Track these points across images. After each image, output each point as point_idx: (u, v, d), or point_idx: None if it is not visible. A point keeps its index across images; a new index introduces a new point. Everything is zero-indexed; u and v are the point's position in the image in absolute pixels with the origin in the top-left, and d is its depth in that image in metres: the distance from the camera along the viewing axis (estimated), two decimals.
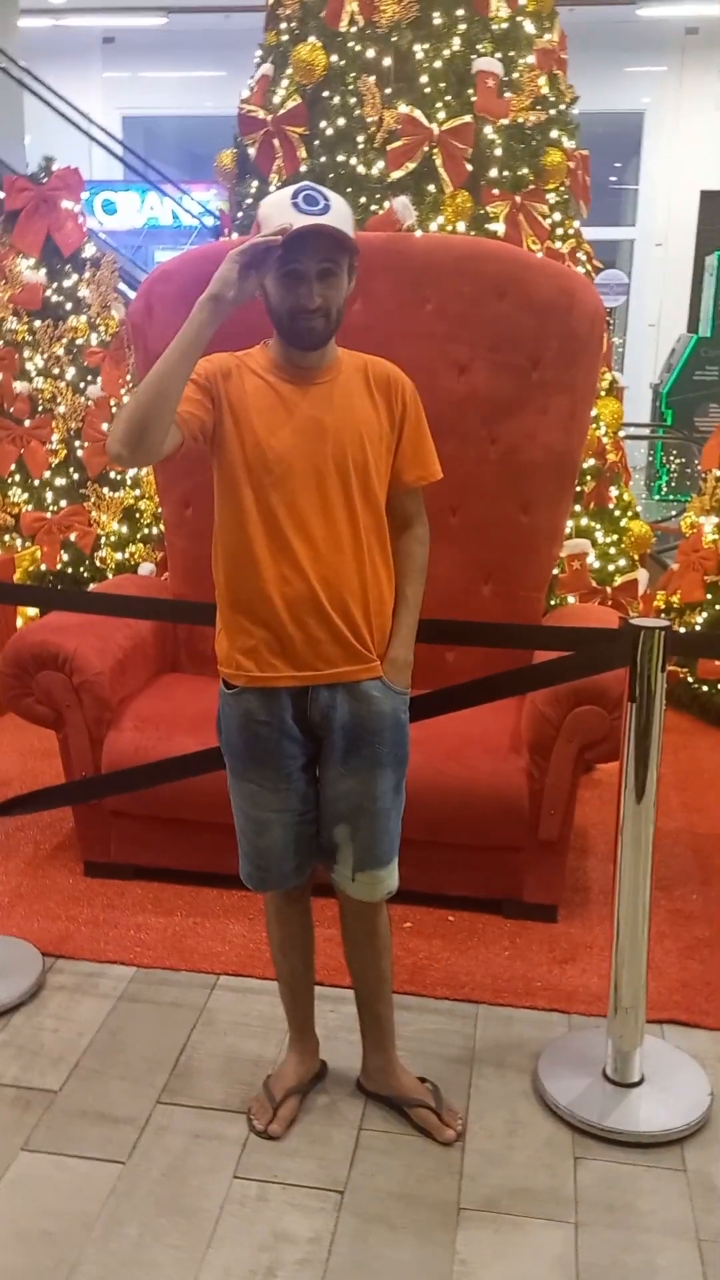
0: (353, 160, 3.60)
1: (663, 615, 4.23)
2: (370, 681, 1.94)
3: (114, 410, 4.79)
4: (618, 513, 3.92)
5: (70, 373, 4.76)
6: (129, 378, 4.85)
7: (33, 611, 4.48)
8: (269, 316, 1.88)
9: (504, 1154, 2.07)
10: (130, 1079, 2.26)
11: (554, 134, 3.77)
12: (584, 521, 3.81)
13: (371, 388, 1.93)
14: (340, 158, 3.62)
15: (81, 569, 4.72)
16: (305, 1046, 2.22)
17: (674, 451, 9.10)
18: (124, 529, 4.76)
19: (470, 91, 3.58)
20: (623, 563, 3.84)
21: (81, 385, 4.77)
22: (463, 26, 3.58)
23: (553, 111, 3.78)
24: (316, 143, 3.66)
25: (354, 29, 3.59)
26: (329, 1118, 2.16)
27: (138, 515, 4.80)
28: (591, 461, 3.75)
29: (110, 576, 4.63)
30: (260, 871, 2.07)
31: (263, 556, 1.88)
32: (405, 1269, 1.82)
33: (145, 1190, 1.98)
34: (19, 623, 4.43)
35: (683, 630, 4.05)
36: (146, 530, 4.79)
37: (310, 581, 1.87)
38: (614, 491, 3.91)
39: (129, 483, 4.82)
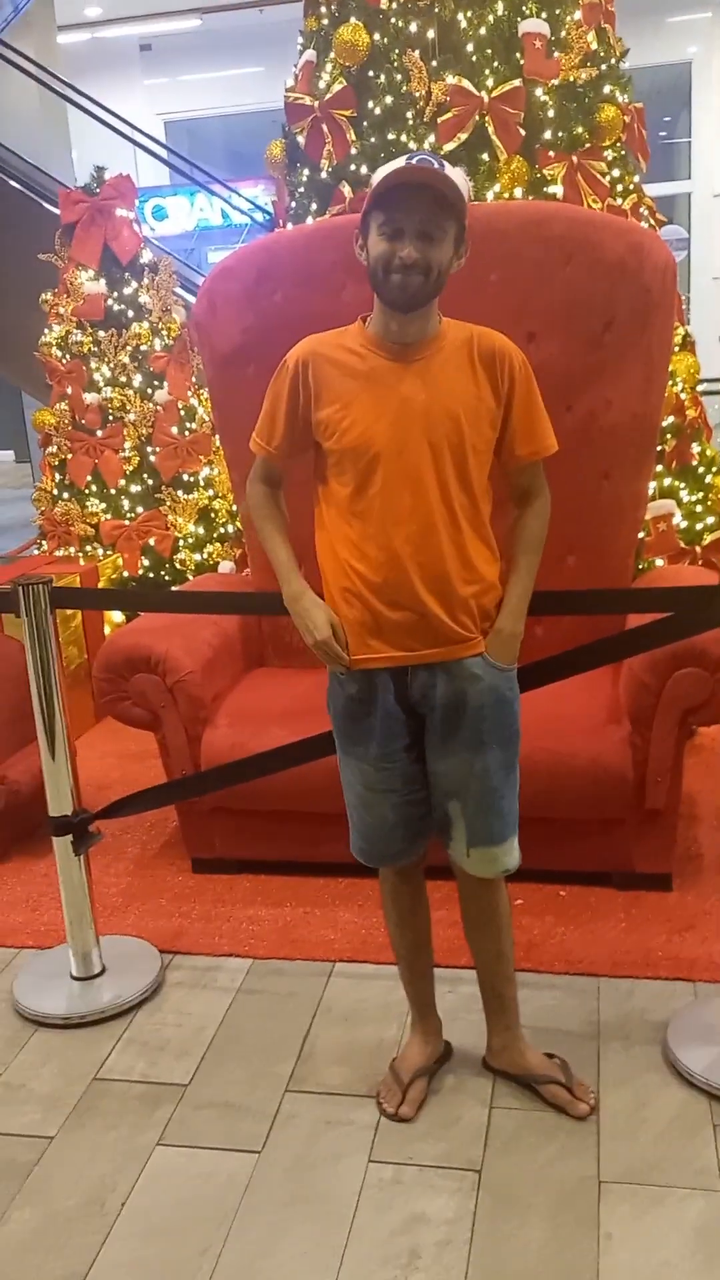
0: (404, 137, 3.55)
1: None
2: (471, 659, 1.91)
3: (182, 412, 4.82)
4: (701, 469, 3.82)
5: (137, 379, 4.80)
6: (194, 379, 4.88)
7: (119, 619, 4.54)
8: (369, 277, 1.85)
9: (639, 1126, 2.04)
10: (255, 1069, 2.28)
11: (606, 89, 3.67)
12: (667, 481, 3.72)
13: (475, 362, 1.87)
14: (391, 136, 3.57)
15: (162, 572, 4.77)
16: (428, 1027, 2.21)
17: None
18: (200, 530, 4.79)
19: (518, 55, 3.51)
20: (711, 520, 3.75)
21: (149, 391, 4.81)
22: None
23: (603, 67, 3.68)
24: (365, 124, 3.62)
25: (394, 5, 3.53)
26: (458, 1098, 2.15)
27: (213, 515, 4.83)
28: (671, 419, 3.66)
29: (191, 578, 4.66)
30: (369, 845, 2.08)
31: (357, 539, 1.88)
32: (549, 1245, 1.81)
33: (280, 1179, 1.99)
34: (107, 630, 4.50)
35: None
36: (222, 529, 4.81)
37: (404, 563, 1.85)
38: (696, 448, 3.81)
39: (202, 484, 4.86)
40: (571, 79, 3.57)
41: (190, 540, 4.77)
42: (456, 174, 1.79)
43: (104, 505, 4.80)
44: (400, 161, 1.78)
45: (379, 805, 2.01)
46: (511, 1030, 2.17)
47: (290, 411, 1.93)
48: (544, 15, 3.53)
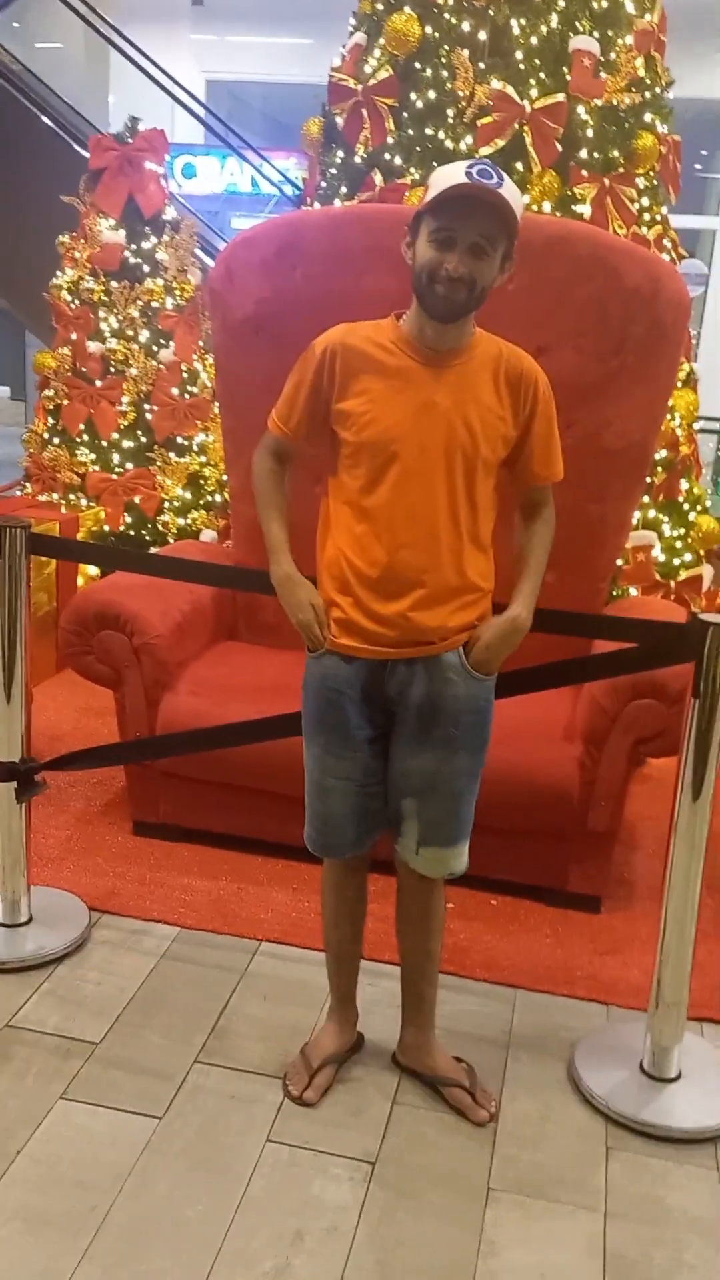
0: (441, 134, 3.56)
1: None
2: (449, 655, 1.93)
3: (184, 374, 4.80)
4: (686, 506, 3.86)
5: (144, 335, 4.77)
6: (202, 343, 4.86)
7: (93, 572, 4.52)
8: (410, 279, 1.84)
9: (536, 1139, 2.08)
10: (169, 1036, 2.29)
11: (647, 117, 3.70)
12: (651, 514, 3.76)
13: (500, 380, 1.89)
14: (429, 131, 3.57)
15: (144, 532, 4.76)
16: (345, 1016, 2.24)
17: None
18: (188, 495, 4.78)
19: (565, 70, 3.52)
20: (688, 557, 3.79)
21: (154, 349, 4.79)
22: (562, 3, 3.51)
23: (648, 94, 3.70)
24: (405, 115, 3.62)
25: (450, 1, 3.53)
26: (364, 1089, 2.17)
27: (202, 482, 4.82)
28: (664, 453, 3.70)
29: (172, 541, 4.65)
30: (320, 835, 2.09)
31: (360, 533, 1.89)
32: (432, 1244, 1.84)
33: (179, 1146, 2.01)
34: (79, 582, 4.48)
35: None
36: (210, 497, 4.80)
37: (402, 562, 1.87)
38: (684, 484, 3.85)
39: (195, 449, 4.84)
40: (615, 102, 3.58)
41: (176, 504, 4.76)
42: (513, 190, 1.79)
43: (94, 456, 4.78)
44: (461, 168, 1.75)
45: (335, 795, 2.02)
46: (425, 1030, 2.20)
47: (312, 396, 1.93)
48: (596, 34, 3.55)
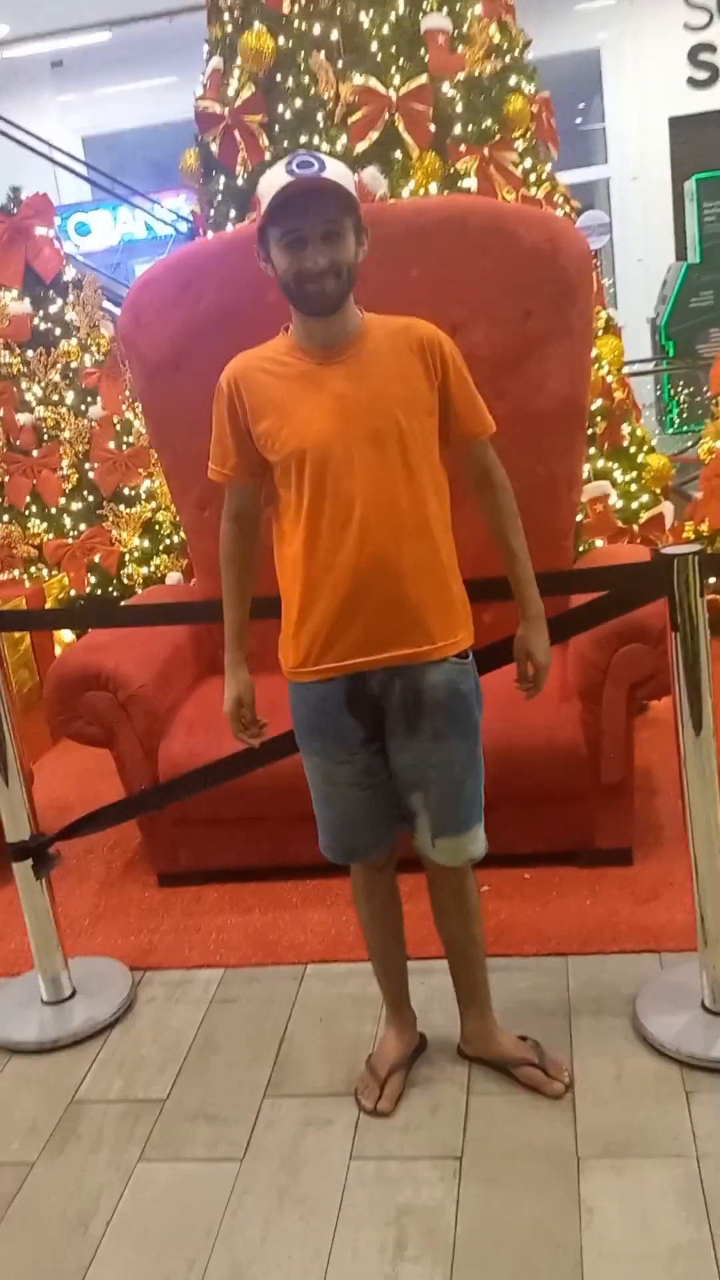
0: (315, 139, 3.57)
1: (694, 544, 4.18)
2: (428, 665, 1.91)
3: (117, 427, 4.80)
4: (633, 449, 3.87)
5: (70, 397, 4.78)
6: (127, 392, 4.87)
7: (70, 638, 4.51)
8: (280, 289, 1.85)
9: (615, 1098, 2.07)
10: (234, 1078, 2.28)
11: (512, 81, 3.71)
12: (600, 463, 3.77)
13: (404, 351, 1.87)
14: (303, 139, 3.58)
15: (110, 588, 4.75)
16: (403, 1021, 2.23)
17: (681, 382, 9.00)
18: (145, 543, 4.78)
19: (422, 52, 3.54)
20: (646, 498, 3.80)
21: (83, 408, 4.79)
22: None
23: (507, 59, 3.72)
24: (277, 128, 3.63)
25: (297, 8, 3.54)
26: (436, 1088, 2.16)
27: (157, 527, 4.81)
28: (600, 402, 3.71)
29: (139, 592, 4.65)
30: (335, 843, 2.08)
31: (311, 547, 1.87)
32: (533, 1224, 1.83)
33: (264, 1184, 1.99)
34: (58, 651, 4.47)
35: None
36: (168, 540, 4.80)
37: (358, 567, 1.84)
38: (626, 429, 3.87)
39: (144, 497, 4.84)
40: (477, 73, 3.60)
41: (136, 554, 4.76)
42: (338, 167, 1.78)
43: (45, 525, 4.78)
44: (281, 168, 1.75)
45: (342, 800, 2.02)
46: (484, 1016, 2.19)
47: (235, 431, 1.93)
48: (445, 11, 3.57)
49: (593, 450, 3.72)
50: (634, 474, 3.82)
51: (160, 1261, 1.86)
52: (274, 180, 1.76)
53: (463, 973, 2.18)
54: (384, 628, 1.87)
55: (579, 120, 12.52)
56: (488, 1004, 2.20)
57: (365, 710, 1.95)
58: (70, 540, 4.72)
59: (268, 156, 3.63)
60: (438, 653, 1.91)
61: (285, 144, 3.61)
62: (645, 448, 3.91)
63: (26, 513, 4.78)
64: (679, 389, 9.01)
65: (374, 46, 3.52)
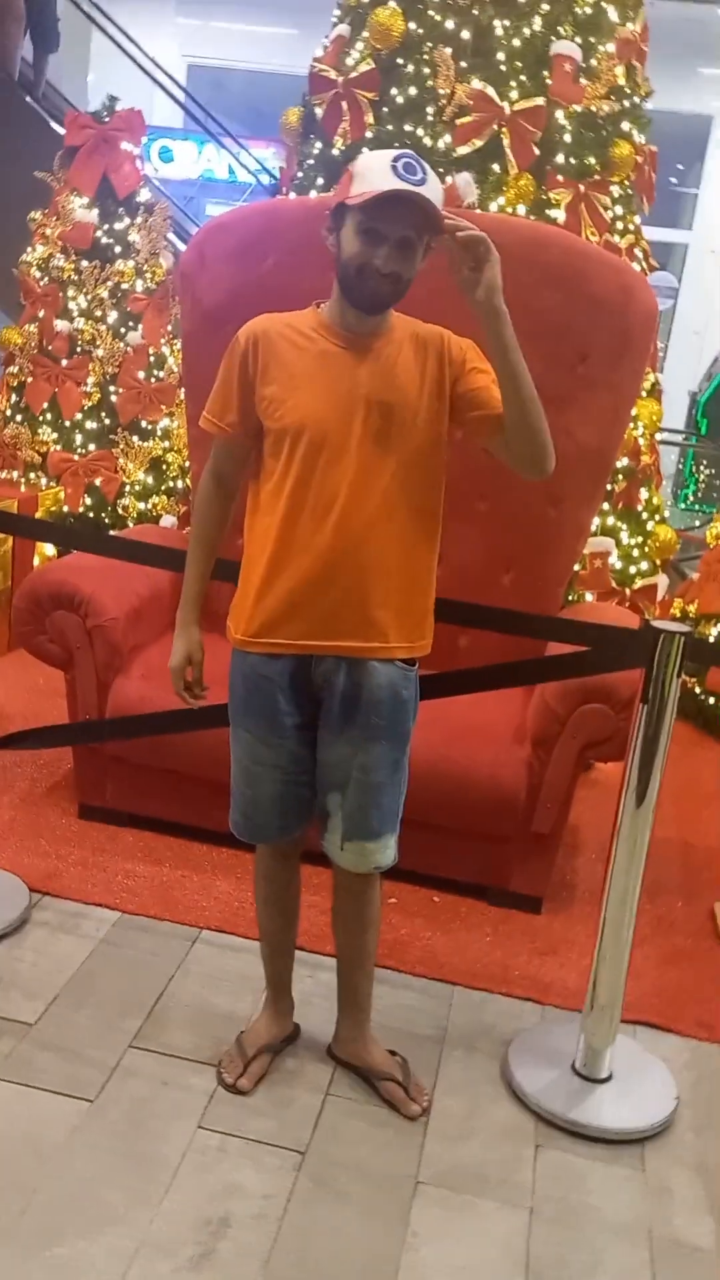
0: (420, 131, 3.56)
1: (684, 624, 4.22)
2: (377, 663, 1.91)
3: (151, 359, 4.77)
4: (645, 515, 3.90)
5: (112, 317, 4.74)
6: (170, 327, 4.83)
7: (51, 553, 4.48)
8: (335, 269, 1.83)
9: (465, 1134, 2.09)
10: (103, 1020, 2.28)
11: (625, 126, 3.73)
12: (610, 521, 3.80)
13: (423, 350, 1.88)
14: (408, 127, 3.58)
15: (103, 515, 4.72)
16: (280, 1006, 2.24)
17: (704, 461, 9.06)
18: (149, 479, 4.75)
19: (546, 73, 3.54)
20: (644, 566, 3.83)
21: (122, 330, 4.75)
22: (545, 7, 3.53)
23: (626, 103, 3.73)
24: (385, 109, 3.63)
25: None
26: (297, 1080, 2.17)
27: (164, 467, 4.79)
28: (625, 461, 3.73)
29: (131, 525, 4.62)
30: (245, 820, 2.08)
31: (287, 522, 1.86)
32: (356, 1235, 1.84)
33: (108, 1130, 1.99)
34: (36, 562, 4.44)
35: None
36: (171, 483, 4.78)
37: (330, 551, 1.84)
38: (644, 494, 3.89)
39: (159, 434, 4.81)
40: (593, 108, 3.61)
41: (137, 488, 4.73)
42: (435, 184, 1.77)
43: (56, 436, 4.74)
44: (387, 163, 1.72)
45: (262, 781, 2.02)
46: (360, 1024, 2.20)
47: (242, 386, 1.90)
48: (578, 40, 3.57)
49: (605, 506, 3.74)
50: (640, 539, 3.84)
51: None
52: (376, 170, 1.73)
53: (348, 977, 2.19)
54: (341, 617, 1.88)
55: (673, 180, 12.56)
56: (366, 1012, 2.21)
57: (304, 696, 1.95)
58: (76, 457, 4.68)
59: (369, 135, 3.61)
60: (386, 652, 1.91)
61: (389, 127, 3.60)
62: (657, 517, 3.94)
63: (40, 418, 4.74)
64: (701, 468, 9.07)
65: (500, 56, 3.52)
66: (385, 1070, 2.16)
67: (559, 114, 3.57)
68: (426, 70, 3.55)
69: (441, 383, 1.88)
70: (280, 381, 1.85)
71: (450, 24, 3.53)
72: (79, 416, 4.72)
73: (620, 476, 3.76)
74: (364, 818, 1.98)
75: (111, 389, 4.74)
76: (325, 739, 1.97)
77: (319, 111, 3.75)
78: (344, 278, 1.82)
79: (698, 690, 4.22)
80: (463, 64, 3.53)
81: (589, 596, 3.67)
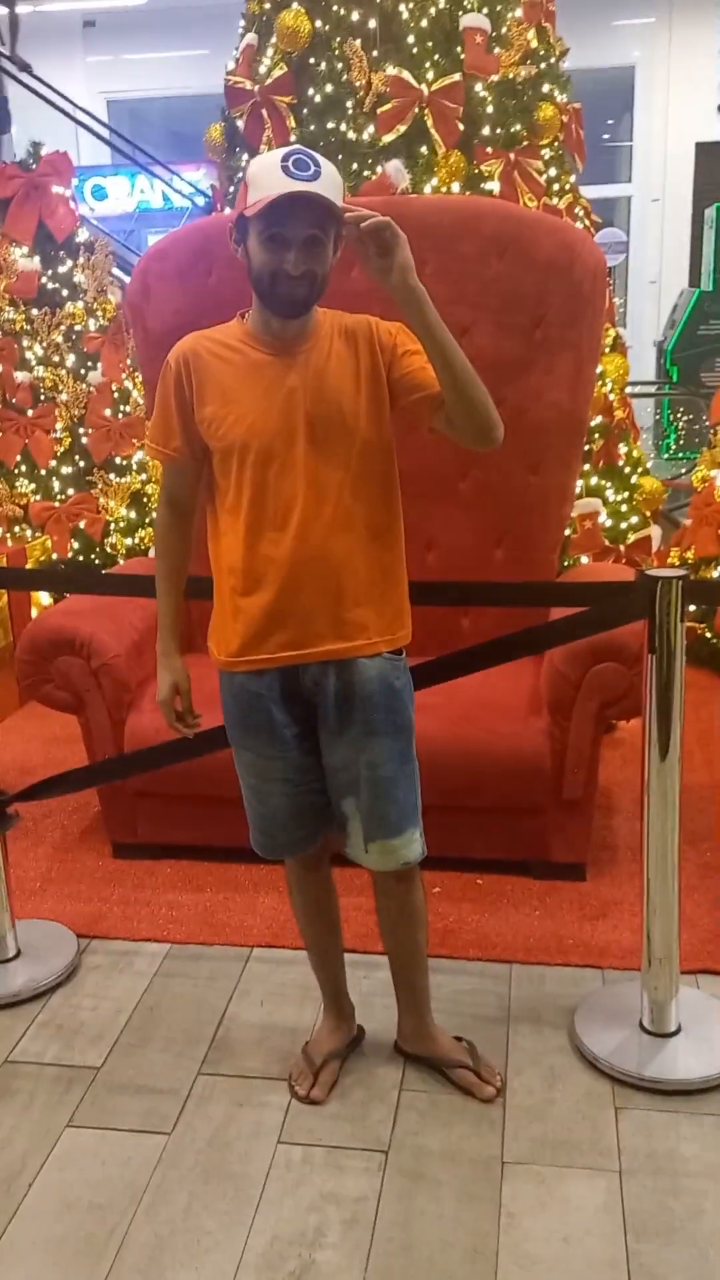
0: (343, 126, 3.56)
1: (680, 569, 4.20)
2: (364, 660, 1.90)
3: (115, 394, 4.77)
4: (628, 470, 3.89)
5: (70, 359, 4.75)
6: (129, 361, 4.84)
7: (47, 602, 4.49)
8: (249, 280, 1.81)
9: (544, 1107, 2.09)
10: (170, 1052, 2.28)
11: (545, 88, 3.72)
12: (594, 480, 3.79)
13: (352, 341, 1.85)
14: (330, 124, 3.58)
15: (93, 556, 4.73)
16: (340, 1012, 2.24)
17: (681, 408, 9.04)
18: (132, 514, 4.76)
19: (458, 49, 3.53)
20: (635, 520, 3.82)
21: (82, 371, 4.76)
22: None
23: (543, 65, 3.73)
24: (305, 111, 3.63)
25: None
26: (369, 1080, 2.17)
27: (145, 500, 4.79)
28: (599, 419, 3.72)
29: (121, 562, 4.63)
30: (266, 838, 2.08)
31: (246, 537, 1.85)
32: (452, 1223, 1.84)
33: (191, 1159, 2.00)
34: (34, 614, 4.44)
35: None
36: (154, 514, 4.78)
37: (294, 561, 1.83)
38: (623, 449, 3.88)
39: (135, 468, 4.82)
40: (511, 76, 3.60)
41: (121, 524, 4.74)
42: (330, 173, 1.73)
43: (34, 486, 4.75)
44: (276, 164, 1.69)
45: (272, 796, 2.01)
46: (422, 1016, 2.19)
47: (181, 410, 1.89)
48: (485, 11, 3.57)
49: (587, 467, 3.73)
50: (626, 494, 3.83)
51: (81, 1226, 1.86)
52: (266, 174, 1.71)
53: (404, 976, 2.17)
54: (319, 623, 1.86)
55: (606, 136, 12.55)
56: (426, 1005, 2.20)
57: (299, 706, 1.94)
58: (57, 504, 4.69)
59: (293, 138, 3.62)
60: (371, 648, 1.89)
61: (312, 127, 3.60)
62: (640, 469, 3.93)
63: (15, 472, 4.75)
64: (679, 415, 9.05)
65: (410, 39, 3.51)
66: (455, 1058, 2.15)
67: (478, 87, 3.56)
68: (340, 65, 3.55)
69: (377, 370, 1.85)
70: (216, 400, 1.84)
71: (356, 16, 3.52)
72: (53, 463, 4.73)
73: (597, 435, 3.75)
74: (382, 815, 1.95)
75: (81, 431, 4.75)
76: (327, 744, 1.95)
77: (241, 123, 3.76)
78: (259, 287, 1.81)
79: (709, 635, 4.21)
80: (375, 53, 3.52)
81: (584, 559, 3.66)
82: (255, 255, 1.77)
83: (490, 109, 3.58)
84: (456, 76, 3.50)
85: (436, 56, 3.52)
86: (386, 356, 1.86)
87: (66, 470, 4.74)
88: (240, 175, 3.82)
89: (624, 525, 3.80)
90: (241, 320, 1.90)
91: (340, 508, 1.84)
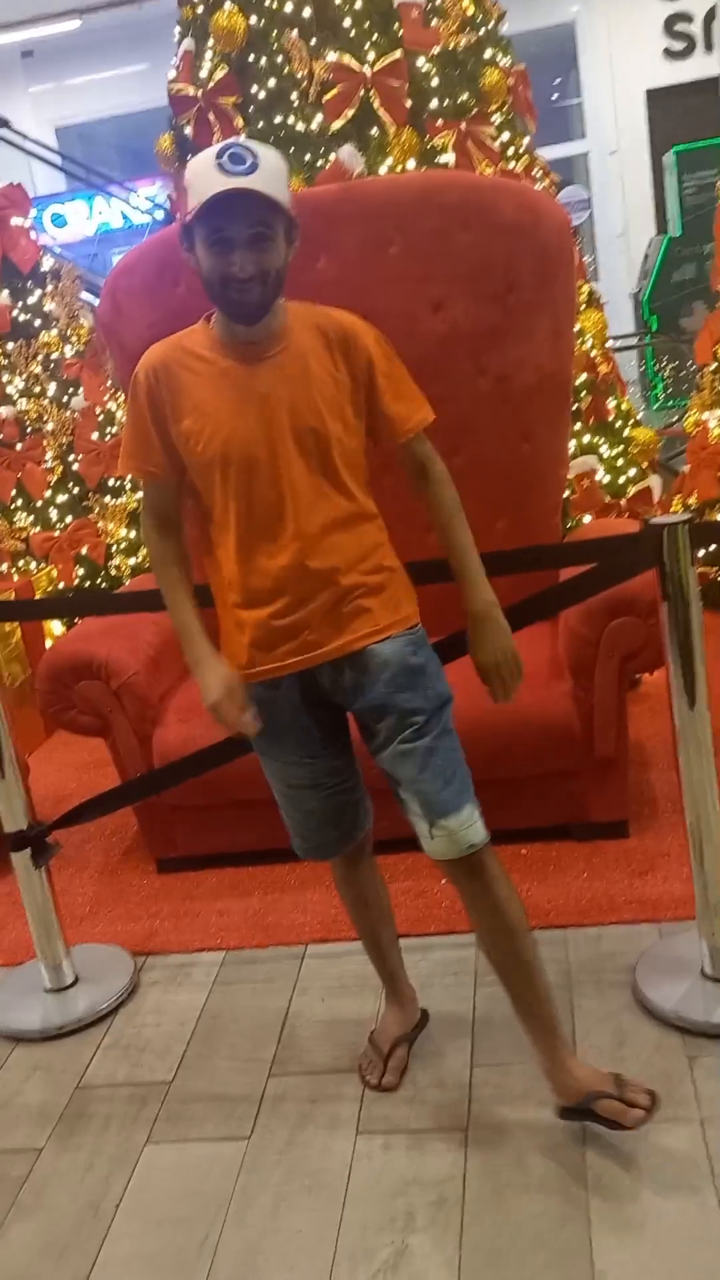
0: (290, 119, 3.55)
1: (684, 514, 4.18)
2: (372, 646, 1.83)
3: (100, 417, 4.78)
4: (619, 423, 3.87)
5: (52, 388, 4.76)
6: (109, 382, 4.85)
7: (59, 630, 4.50)
8: (204, 288, 1.75)
9: (618, 1065, 2.06)
10: (238, 1058, 2.29)
11: (487, 54, 3.70)
12: (586, 439, 3.77)
13: (329, 345, 1.80)
14: (278, 119, 3.57)
15: (98, 580, 4.74)
16: (401, 998, 2.23)
17: (665, 357, 8.98)
18: (132, 534, 4.77)
19: (396, 26, 3.52)
20: (633, 473, 3.80)
21: (65, 399, 4.77)
22: None
23: (482, 31, 3.71)
24: (251, 109, 3.62)
25: None
26: (439, 1062, 2.17)
27: None
28: (584, 376, 3.70)
29: (127, 582, 4.64)
30: (304, 841, 2.06)
31: (238, 549, 1.81)
32: (541, 1193, 1.84)
33: (272, 1161, 2.00)
34: (49, 644, 4.46)
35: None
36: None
37: (287, 565, 1.78)
38: (611, 403, 3.86)
39: (130, 487, 4.83)
40: (451, 46, 3.58)
41: (123, 545, 4.75)
42: (270, 163, 1.67)
43: (32, 518, 4.76)
44: (210, 162, 1.63)
45: (305, 801, 1.98)
46: (556, 1050, 1.91)
47: (157, 425, 1.82)
48: None
49: (578, 426, 3.71)
50: (620, 448, 3.82)
51: (172, 1241, 1.87)
52: (202, 174, 1.65)
53: (520, 999, 1.91)
54: (323, 625, 1.82)
55: (555, 96, 12.46)
56: (557, 1036, 1.91)
57: (321, 708, 1.90)
58: (57, 533, 4.71)
59: (243, 137, 3.60)
60: (378, 634, 1.84)
61: (260, 124, 3.59)
62: (631, 421, 3.91)
63: (12, 506, 4.76)
64: (663, 364, 8.99)
65: (347, 22, 3.50)
66: (598, 1090, 1.88)
67: (420, 61, 3.55)
68: (280, 58, 3.54)
69: (356, 370, 1.81)
70: (192, 413, 1.78)
71: (289, 6, 3.51)
72: (48, 494, 4.74)
73: (584, 392, 3.74)
74: (434, 792, 1.84)
75: (71, 458, 4.76)
76: (365, 736, 1.90)
77: (189, 130, 3.75)
78: (212, 294, 1.74)
79: None
80: (313, 42, 3.51)
81: (587, 518, 3.65)
82: (203, 260, 1.71)
83: (435, 82, 3.57)
84: (397, 54, 3.48)
85: (375, 36, 3.50)
86: (363, 377, 1.82)
87: (62, 498, 4.76)
88: None
89: (622, 480, 3.79)
90: (207, 324, 1.83)
91: (327, 509, 1.80)
